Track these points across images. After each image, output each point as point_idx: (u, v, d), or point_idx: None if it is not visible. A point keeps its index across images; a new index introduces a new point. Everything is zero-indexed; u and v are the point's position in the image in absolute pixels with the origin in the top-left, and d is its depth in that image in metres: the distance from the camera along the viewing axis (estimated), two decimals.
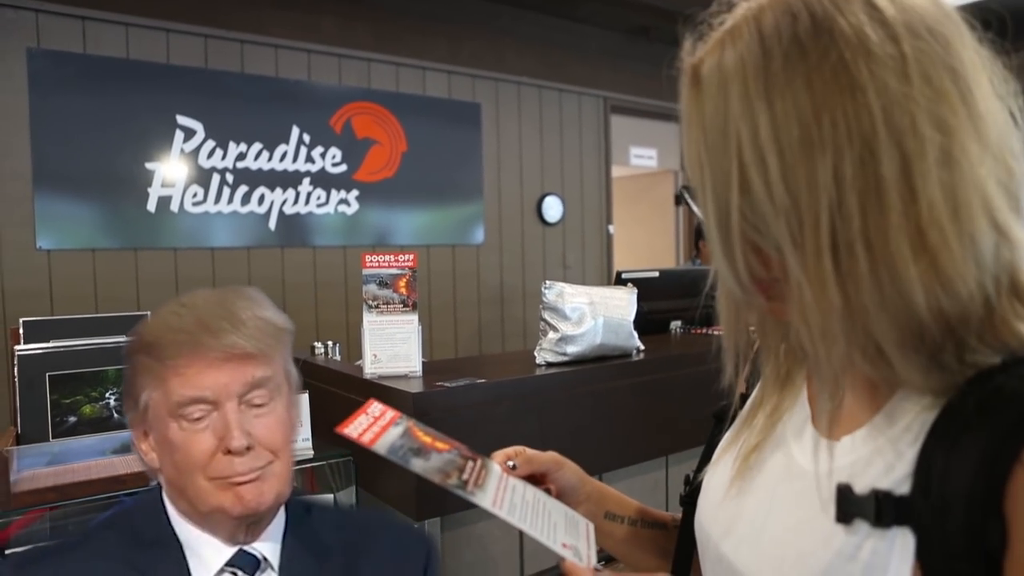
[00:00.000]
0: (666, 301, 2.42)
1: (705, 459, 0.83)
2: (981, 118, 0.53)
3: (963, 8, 0.59)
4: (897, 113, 0.51)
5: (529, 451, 0.82)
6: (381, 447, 0.68)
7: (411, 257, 1.71)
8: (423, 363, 1.68)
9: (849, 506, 0.55)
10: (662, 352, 1.92)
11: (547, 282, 1.77)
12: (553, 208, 4.82)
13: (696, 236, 4.71)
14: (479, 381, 1.55)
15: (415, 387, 1.53)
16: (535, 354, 1.80)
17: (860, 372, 0.64)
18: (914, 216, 0.51)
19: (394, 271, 1.69)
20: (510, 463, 0.80)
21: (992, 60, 0.57)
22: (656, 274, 2.41)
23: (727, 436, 0.81)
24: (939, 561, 0.49)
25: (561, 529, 0.72)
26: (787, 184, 0.53)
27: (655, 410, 1.83)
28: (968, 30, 0.57)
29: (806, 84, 0.53)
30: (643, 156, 5.59)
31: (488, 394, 1.56)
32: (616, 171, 5.42)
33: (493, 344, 4.53)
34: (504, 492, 0.73)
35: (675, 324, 2.52)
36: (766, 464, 0.72)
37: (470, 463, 0.74)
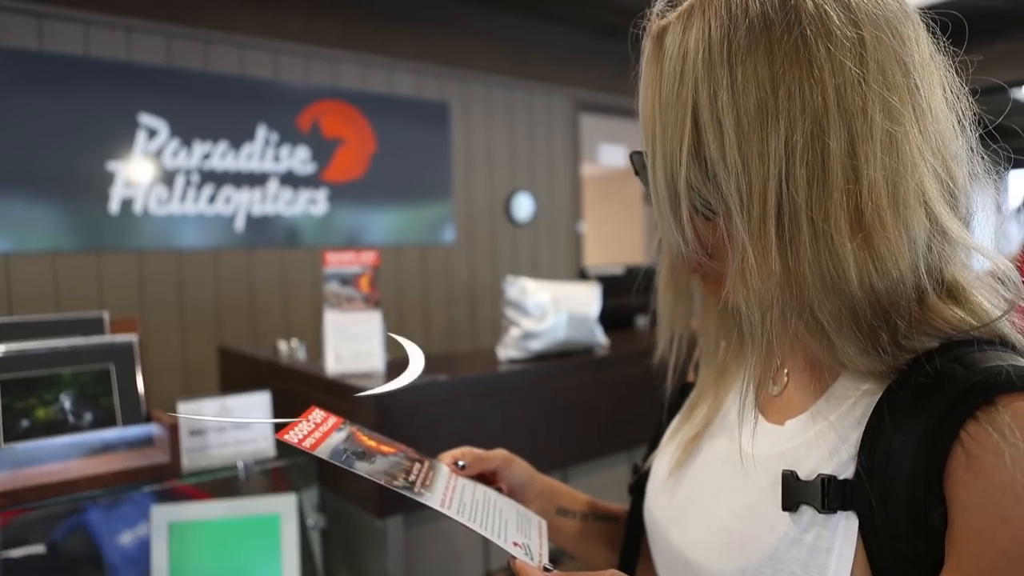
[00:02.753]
0: (631, 297, 2.43)
1: (653, 448, 0.84)
2: (925, 115, 0.55)
3: (925, 9, 0.60)
4: (850, 94, 0.53)
5: (477, 450, 0.82)
6: (323, 451, 0.67)
7: (373, 255, 1.70)
8: (388, 361, 1.67)
9: (794, 493, 0.56)
10: (625, 348, 1.93)
11: (509, 278, 1.78)
12: (523, 207, 4.83)
13: None
14: (441, 378, 1.55)
15: (378, 385, 1.53)
16: (498, 351, 1.80)
17: (803, 352, 0.65)
18: (855, 194, 0.53)
19: (356, 269, 1.68)
20: (459, 463, 0.80)
21: (946, 67, 0.58)
22: (621, 270, 2.42)
23: (674, 424, 0.82)
24: (882, 542, 0.50)
25: (512, 527, 0.72)
26: (740, 149, 0.55)
27: (618, 405, 1.84)
28: (926, 34, 0.58)
29: (767, 55, 0.54)
30: (613, 154, 5.62)
31: (450, 391, 1.56)
32: (586, 169, 5.44)
33: (464, 344, 4.53)
34: (453, 492, 0.73)
35: (640, 320, 2.53)
36: (712, 450, 0.73)
37: (417, 465, 0.74)
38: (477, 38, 4.52)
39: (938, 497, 0.48)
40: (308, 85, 3.90)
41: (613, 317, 2.15)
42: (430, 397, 1.52)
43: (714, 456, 0.71)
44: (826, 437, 0.58)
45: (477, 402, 1.59)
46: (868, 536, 0.51)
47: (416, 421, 1.49)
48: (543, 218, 4.97)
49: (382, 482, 0.68)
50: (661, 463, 0.79)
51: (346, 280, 1.67)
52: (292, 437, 0.67)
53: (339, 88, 4.00)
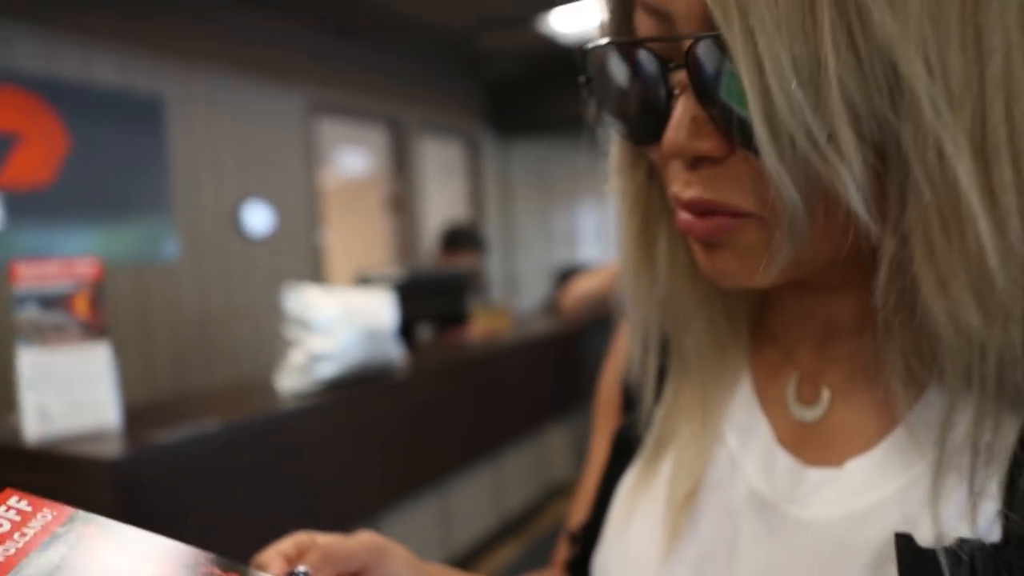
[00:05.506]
0: (412, 303, 2.17)
1: (600, 506, 0.57)
2: None
3: None
4: None
5: (322, 539, 0.49)
6: None
7: (92, 265, 1.23)
8: (126, 410, 1.21)
9: (921, 565, 0.35)
10: (428, 365, 1.65)
11: (288, 288, 1.41)
12: (257, 217, 4.32)
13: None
14: (210, 428, 1.14)
15: (114, 450, 1.07)
16: (277, 381, 1.42)
17: (861, 356, 0.43)
18: None
19: (65, 285, 1.20)
20: (299, 571, 0.45)
21: None
22: (403, 274, 2.14)
23: (633, 472, 0.56)
24: None
25: None
26: (938, 26, 0.30)
27: (427, 433, 1.56)
28: None
29: None
30: (353, 160, 5.31)
31: (223, 443, 1.15)
32: (325, 176, 5.06)
33: (196, 376, 3.90)
34: None
35: (423, 330, 2.27)
36: (721, 515, 0.48)
37: None
38: (198, 24, 3.94)
39: None
40: None
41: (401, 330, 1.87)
42: (196, 455, 1.10)
43: (735, 524, 0.47)
44: (943, 483, 0.37)
45: (261, 453, 1.20)
46: None
47: (177, 495, 1.06)
48: (280, 229, 4.50)
49: None
50: (632, 533, 0.52)
51: (50, 302, 1.18)
52: None
53: (11, 69, 3.20)
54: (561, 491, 2.18)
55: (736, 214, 0.37)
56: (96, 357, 1.21)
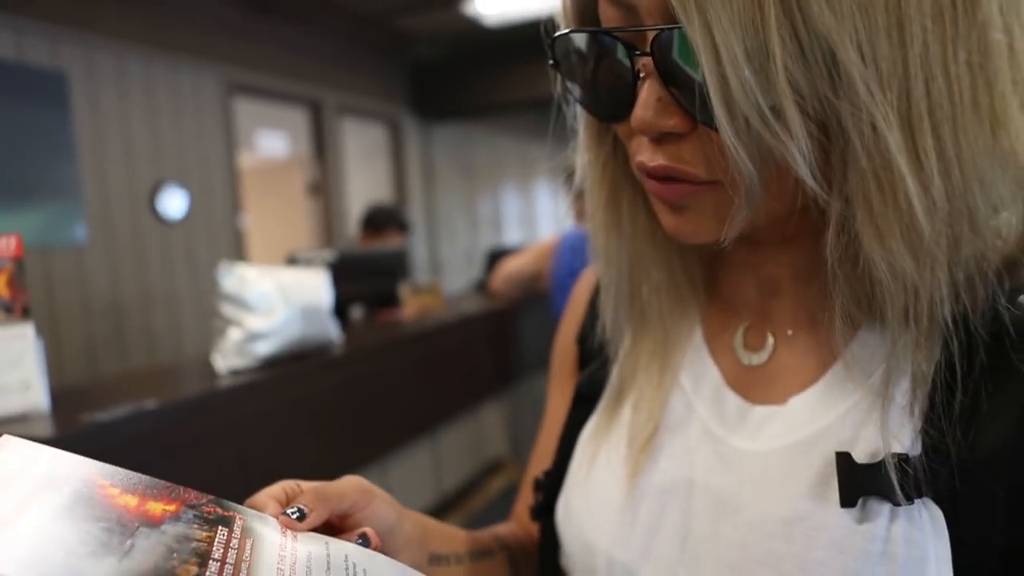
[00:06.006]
0: (344, 284, 2.15)
1: (563, 454, 0.61)
2: None
3: None
4: None
5: (310, 484, 0.50)
6: (5, 555, 0.29)
7: (12, 241, 1.18)
8: (53, 393, 1.16)
9: (856, 482, 0.41)
10: (366, 341, 1.65)
11: (223, 266, 1.38)
12: (173, 200, 4.15)
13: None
14: (148, 406, 1.11)
15: (47, 430, 1.03)
16: (214, 360, 1.39)
17: (805, 304, 0.48)
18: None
19: None
20: (291, 511, 0.47)
21: None
22: (334, 255, 2.12)
23: (594, 420, 0.59)
24: (973, 535, 0.38)
25: None
26: (867, 16, 0.34)
27: (366, 410, 1.56)
28: None
29: None
30: (272, 142, 5.17)
31: (163, 421, 1.12)
32: (243, 159, 4.90)
33: (110, 364, 3.74)
34: (299, 572, 0.40)
35: (356, 310, 2.26)
36: (678, 453, 0.52)
37: (221, 531, 0.38)
38: None
39: None
40: None
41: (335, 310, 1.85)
42: (134, 435, 1.07)
43: (687, 462, 0.51)
44: (874, 408, 0.42)
45: (201, 433, 1.17)
46: (953, 530, 0.39)
47: None
48: (197, 213, 4.33)
49: None
50: (595, 477, 0.56)
51: None
52: None
53: None
54: (496, 468, 2.22)
55: (696, 182, 0.41)
56: (19, 337, 1.16)
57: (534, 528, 0.64)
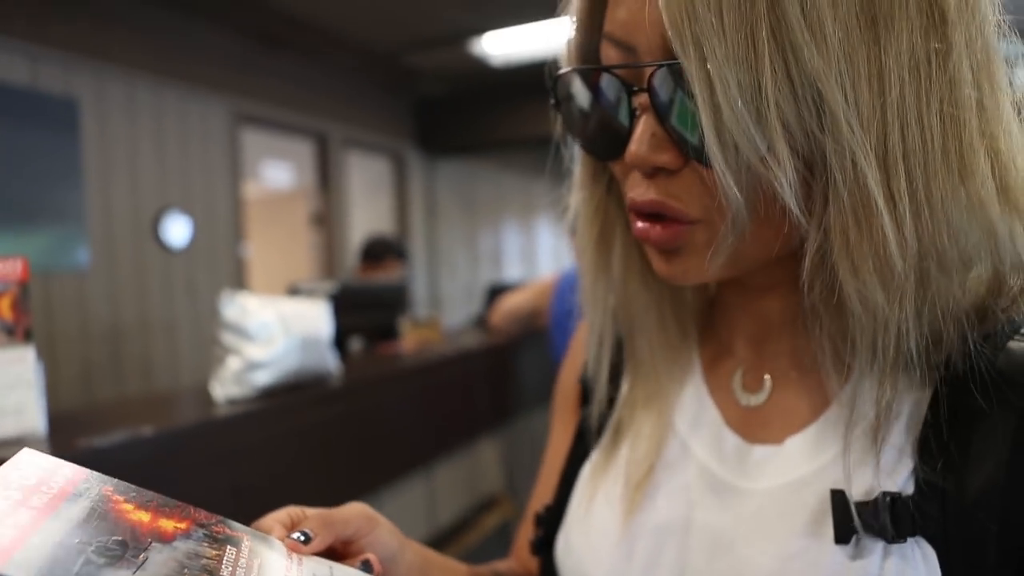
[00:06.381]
0: (344, 316, 2.16)
1: (564, 490, 0.61)
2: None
3: None
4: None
5: (314, 510, 0.51)
6: (23, 564, 0.30)
7: (17, 265, 1.19)
8: (48, 416, 1.17)
9: (852, 518, 0.42)
10: (364, 374, 1.65)
11: (225, 294, 1.39)
12: (177, 228, 4.18)
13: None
14: (145, 433, 1.11)
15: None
16: (212, 388, 1.39)
17: (801, 348, 0.50)
18: (991, 139, 0.40)
19: None
20: (296, 535, 0.46)
21: None
22: (335, 286, 2.13)
23: (594, 457, 0.60)
24: (963, 572, 0.39)
25: None
26: (851, 63, 0.37)
27: (365, 442, 1.56)
28: None
29: None
30: (277, 173, 5.21)
31: (159, 449, 1.12)
32: (248, 189, 4.94)
33: (105, 390, 3.72)
34: None
35: (355, 342, 2.26)
36: (675, 491, 0.53)
37: (230, 551, 0.39)
38: (116, 24, 3.80)
39: None
40: None
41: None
42: (130, 461, 1.07)
43: (684, 499, 0.52)
44: (868, 449, 0.44)
45: (197, 461, 1.17)
46: (946, 568, 0.40)
47: None
48: (201, 241, 4.35)
49: None
50: (593, 513, 0.57)
51: None
52: None
53: None
54: (491, 504, 2.20)
55: (685, 221, 0.43)
56: (19, 360, 1.16)
57: (533, 565, 0.65)
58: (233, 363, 1.36)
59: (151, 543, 0.36)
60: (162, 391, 2.41)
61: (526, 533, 0.67)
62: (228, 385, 1.36)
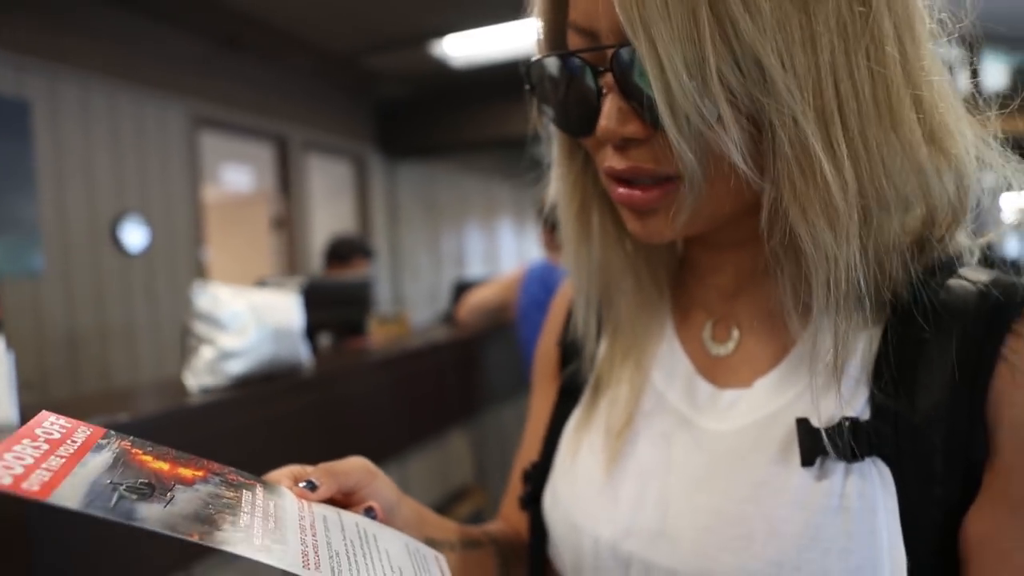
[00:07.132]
0: (313, 312, 2.16)
1: (550, 446, 0.65)
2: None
3: None
4: None
5: (314, 466, 0.53)
6: (67, 497, 0.33)
7: None
8: (22, 411, 1.16)
9: (815, 443, 0.46)
10: (337, 364, 1.66)
11: (197, 285, 1.39)
12: (134, 232, 4.11)
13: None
14: (120, 420, 1.11)
15: None
16: (185, 378, 1.39)
17: (764, 297, 0.54)
18: (917, 88, 0.44)
19: None
20: (303, 484, 0.49)
21: None
22: (304, 282, 2.13)
23: (577, 413, 0.64)
24: (915, 488, 0.44)
25: (410, 574, 0.47)
26: (783, 28, 0.41)
27: (335, 430, 1.57)
28: None
29: None
30: (237, 176, 5.15)
31: (135, 436, 1.13)
32: (207, 192, 4.88)
33: (64, 393, 3.64)
34: (314, 535, 0.43)
35: (324, 338, 2.26)
36: (660, 437, 0.57)
37: (246, 494, 0.43)
38: (69, 26, 3.73)
39: (981, 425, 0.43)
40: None
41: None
42: None
43: (664, 443, 0.56)
44: (830, 382, 0.48)
45: (172, 446, 1.18)
46: (900, 484, 0.44)
47: None
48: (159, 245, 4.29)
49: (195, 538, 0.36)
50: (578, 464, 0.60)
51: None
52: (2, 476, 0.32)
53: None
54: (463, 494, 2.22)
55: (660, 180, 0.47)
56: None
57: (522, 526, 0.68)
58: (206, 352, 1.36)
59: (175, 485, 0.39)
60: (130, 385, 2.38)
61: (512, 495, 0.70)
62: (202, 375, 1.36)
